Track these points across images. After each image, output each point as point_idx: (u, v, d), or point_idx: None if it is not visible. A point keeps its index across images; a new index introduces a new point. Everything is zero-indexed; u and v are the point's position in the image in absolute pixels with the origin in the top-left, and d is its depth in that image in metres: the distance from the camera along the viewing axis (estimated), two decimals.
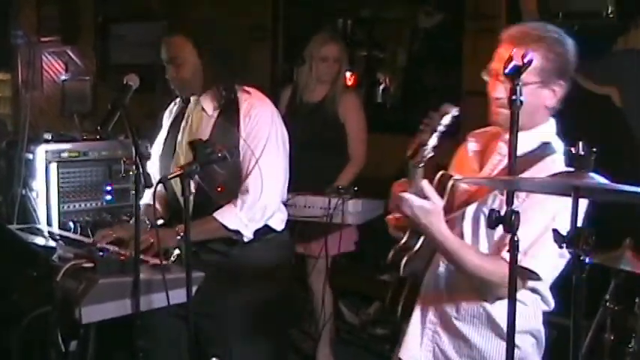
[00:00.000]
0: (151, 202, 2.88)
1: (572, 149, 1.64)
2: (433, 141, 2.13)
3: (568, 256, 2.17)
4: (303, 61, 4.35)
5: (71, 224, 3.65)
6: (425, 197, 2.15)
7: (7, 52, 4.56)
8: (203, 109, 3.17)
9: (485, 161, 2.42)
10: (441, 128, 2.13)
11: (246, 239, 3.08)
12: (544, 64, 2.22)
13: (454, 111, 2.16)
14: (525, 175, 2.20)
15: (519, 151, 2.24)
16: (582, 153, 1.62)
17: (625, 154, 3.88)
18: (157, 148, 3.34)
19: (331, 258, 4.33)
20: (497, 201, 2.29)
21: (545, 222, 2.17)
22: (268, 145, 3.08)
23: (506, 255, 2.16)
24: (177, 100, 3.35)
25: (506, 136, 2.14)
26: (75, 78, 7.36)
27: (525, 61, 1.79)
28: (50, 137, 3.78)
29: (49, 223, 3.67)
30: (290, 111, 4.38)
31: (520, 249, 2.04)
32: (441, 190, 2.30)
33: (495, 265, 2.19)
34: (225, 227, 3.04)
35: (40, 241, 3.16)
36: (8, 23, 4.51)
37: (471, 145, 2.52)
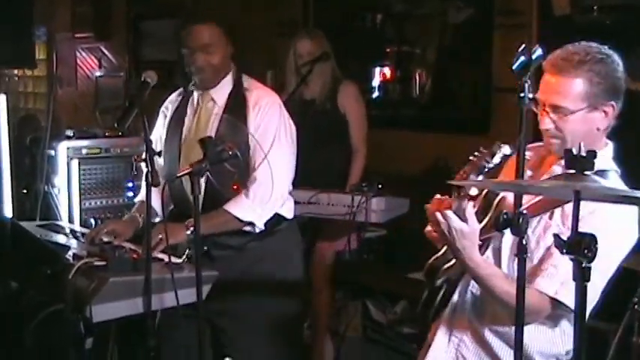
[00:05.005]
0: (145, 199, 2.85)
1: (573, 150, 1.57)
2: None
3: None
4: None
5: (92, 221, 3.67)
6: (464, 219, 2.09)
7: (29, 48, 4.60)
8: (213, 99, 3.14)
9: (539, 177, 2.33)
10: (489, 166, 2.08)
11: (258, 230, 3.05)
12: (589, 88, 2.14)
13: (505, 149, 2.11)
14: (588, 207, 2.02)
15: None
16: (583, 154, 1.55)
17: None
18: (157, 141, 3.22)
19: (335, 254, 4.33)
20: (542, 223, 2.22)
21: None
22: (278, 135, 3.06)
23: (539, 285, 2.12)
24: (179, 91, 3.28)
25: (562, 162, 2.03)
26: (108, 74, 7.40)
27: (534, 57, 1.72)
28: (72, 134, 3.80)
29: (70, 220, 3.69)
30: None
31: (559, 278, 2.04)
32: (486, 206, 2.25)
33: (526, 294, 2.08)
34: (239, 219, 3.01)
35: (59, 238, 3.16)
36: (32, 20, 4.55)
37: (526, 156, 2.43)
